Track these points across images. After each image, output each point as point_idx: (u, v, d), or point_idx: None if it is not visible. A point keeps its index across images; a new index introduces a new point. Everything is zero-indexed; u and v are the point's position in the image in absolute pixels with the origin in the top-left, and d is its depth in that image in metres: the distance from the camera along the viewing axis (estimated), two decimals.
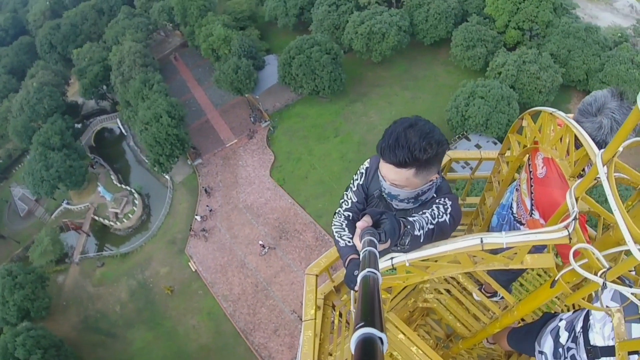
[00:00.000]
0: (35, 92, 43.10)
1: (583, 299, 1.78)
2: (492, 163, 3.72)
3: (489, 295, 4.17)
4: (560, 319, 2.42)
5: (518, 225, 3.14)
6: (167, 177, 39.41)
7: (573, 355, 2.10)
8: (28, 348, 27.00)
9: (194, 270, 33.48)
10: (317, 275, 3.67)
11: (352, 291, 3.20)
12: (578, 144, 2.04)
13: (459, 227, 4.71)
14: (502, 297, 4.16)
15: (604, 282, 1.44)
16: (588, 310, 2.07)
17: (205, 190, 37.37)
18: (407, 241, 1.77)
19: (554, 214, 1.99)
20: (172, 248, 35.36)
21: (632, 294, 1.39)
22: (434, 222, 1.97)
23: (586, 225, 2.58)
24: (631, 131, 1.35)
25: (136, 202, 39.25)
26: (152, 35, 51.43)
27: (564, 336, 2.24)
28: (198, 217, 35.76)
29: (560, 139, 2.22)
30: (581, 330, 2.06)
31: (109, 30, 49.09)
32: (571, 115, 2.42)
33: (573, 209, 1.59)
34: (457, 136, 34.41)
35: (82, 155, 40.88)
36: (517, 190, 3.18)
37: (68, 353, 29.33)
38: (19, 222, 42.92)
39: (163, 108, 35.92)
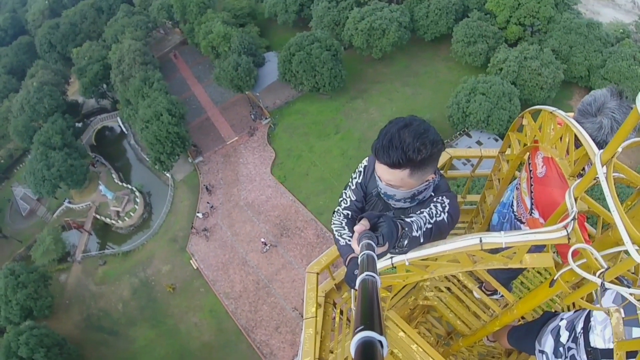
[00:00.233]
0: (36, 91, 43.09)
1: (582, 298, 1.78)
2: (493, 161, 3.71)
3: (489, 293, 4.18)
4: (561, 319, 2.42)
5: (519, 223, 3.14)
6: (168, 175, 39.45)
7: (573, 355, 2.10)
8: (31, 347, 27.15)
9: (195, 268, 33.57)
10: (318, 274, 3.68)
11: (352, 289, 3.21)
12: (578, 143, 2.03)
13: (459, 225, 4.71)
14: (503, 296, 4.17)
15: (602, 282, 1.44)
16: (589, 311, 2.07)
17: (207, 188, 37.42)
18: (406, 243, 1.76)
19: (553, 214, 1.99)
20: (174, 246, 35.45)
21: (630, 294, 1.39)
22: (432, 221, 1.96)
23: (585, 225, 2.58)
24: (630, 132, 1.35)
25: (137, 200, 39.32)
26: (151, 33, 51.29)
27: (564, 335, 2.24)
28: (200, 215, 35.83)
29: (560, 138, 2.21)
30: (582, 331, 2.06)
31: (109, 28, 48.97)
32: (571, 114, 2.41)
33: (572, 209, 1.59)
34: (458, 132, 34.37)
35: (83, 154, 40.93)
36: (517, 188, 3.18)
37: (71, 351, 29.49)
38: (21, 221, 43.03)
39: (163, 106, 35.91)
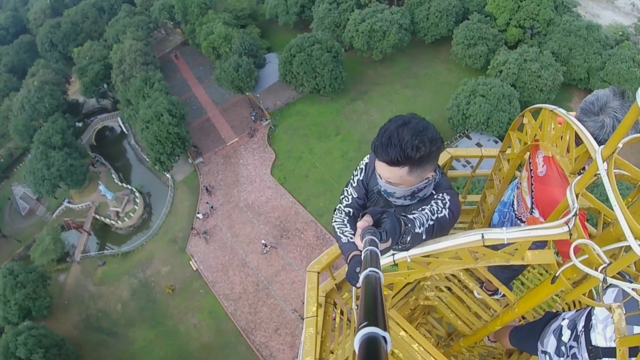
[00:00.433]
0: (36, 90, 43.10)
1: (584, 295, 1.78)
2: (493, 161, 3.72)
3: (489, 293, 4.18)
4: (563, 318, 2.42)
5: (519, 222, 3.15)
6: (168, 175, 39.45)
7: (574, 354, 2.11)
8: (29, 347, 27.04)
9: (195, 269, 33.53)
10: (318, 273, 3.68)
11: (353, 289, 3.21)
12: (578, 142, 2.04)
13: (460, 225, 4.72)
14: (503, 295, 4.17)
15: (604, 278, 1.44)
16: (590, 310, 2.07)
17: (207, 189, 37.41)
18: (408, 239, 1.77)
19: (554, 211, 2.00)
20: (173, 247, 35.42)
21: (632, 289, 1.40)
22: (434, 217, 1.96)
23: (586, 224, 2.59)
24: (630, 127, 1.35)
25: (137, 200, 39.29)
26: (152, 34, 51.40)
27: (566, 334, 2.24)
28: (200, 215, 35.82)
29: (561, 137, 2.22)
30: (583, 330, 2.06)
31: (110, 28, 49.06)
32: (573, 113, 2.43)
33: (573, 205, 1.59)
34: (458, 134, 34.40)
35: (83, 154, 40.92)
36: (518, 187, 3.19)
37: (69, 352, 29.40)
38: (20, 221, 42.99)
39: (164, 106, 35.93)
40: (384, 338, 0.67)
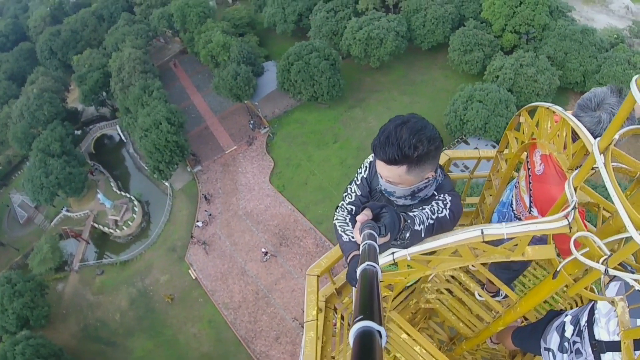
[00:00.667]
0: (35, 98, 43.20)
1: (586, 288, 1.78)
2: (491, 163, 3.73)
3: (491, 295, 4.17)
4: (566, 315, 2.42)
5: (518, 221, 3.14)
6: (166, 184, 39.39)
7: (578, 349, 2.10)
8: (27, 357, 26.78)
9: (194, 278, 33.35)
10: (318, 276, 3.66)
11: (353, 292, 3.19)
12: (575, 138, 2.05)
13: (459, 227, 4.70)
14: (504, 297, 4.16)
15: (605, 269, 1.44)
16: (593, 305, 2.07)
17: (205, 197, 37.35)
18: (407, 235, 1.77)
19: (553, 206, 2.00)
20: (172, 256, 35.25)
21: (634, 280, 1.40)
22: (434, 217, 1.97)
23: (585, 221, 2.59)
24: (626, 118, 1.36)
25: (136, 209, 39.19)
26: (151, 42, 51.68)
27: (569, 330, 2.24)
28: (199, 223, 35.71)
29: (558, 134, 2.23)
30: (586, 324, 2.06)
31: (109, 36, 49.34)
32: (569, 111, 2.44)
33: (572, 198, 1.60)
34: (455, 140, 34.51)
35: (81, 162, 40.90)
36: (516, 187, 3.20)
37: None
38: (18, 229, 42.81)
39: (163, 115, 36.00)
40: (379, 332, 0.66)
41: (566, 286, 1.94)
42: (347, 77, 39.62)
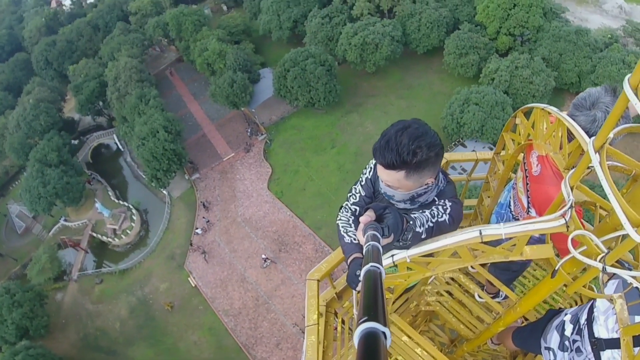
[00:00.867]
0: (32, 108, 43.16)
1: (584, 287, 1.79)
2: (488, 165, 3.75)
3: (490, 296, 4.17)
4: (566, 314, 2.43)
5: None
6: (164, 192, 39.31)
7: (578, 347, 2.11)
8: None
9: (193, 285, 33.19)
10: (318, 280, 3.65)
11: (354, 296, 3.18)
12: (571, 138, 2.07)
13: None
14: (504, 298, 4.16)
15: (603, 267, 1.45)
16: (592, 303, 2.08)
17: (204, 204, 37.27)
18: (409, 237, 1.78)
19: (550, 207, 2.02)
20: (171, 263, 35.10)
21: (632, 277, 1.41)
22: (434, 220, 1.98)
23: (582, 221, 2.61)
24: (620, 116, 1.38)
25: (134, 218, 39.06)
26: (147, 51, 51.81)
27: (569, 329, 2.24)
28: (199, 231, 35.60)
29: (553, 134, 2.26)
30: (585, 323, 2.07)
31: (105, 46, 49.45)
32: (565, 112, 2.47)
33: (569, 197, 1.61)
34: (453, 143, 34.62)
35: (79, 172, 40.78)
36: (513, 188, 3.22)
37: None
38: (16, 239, 42.58)
39: (159, 123, 36.00)
40: (384, 333, 0.66)
41: (565, 285, 1.94)
42: (343, 82, 39.76)
